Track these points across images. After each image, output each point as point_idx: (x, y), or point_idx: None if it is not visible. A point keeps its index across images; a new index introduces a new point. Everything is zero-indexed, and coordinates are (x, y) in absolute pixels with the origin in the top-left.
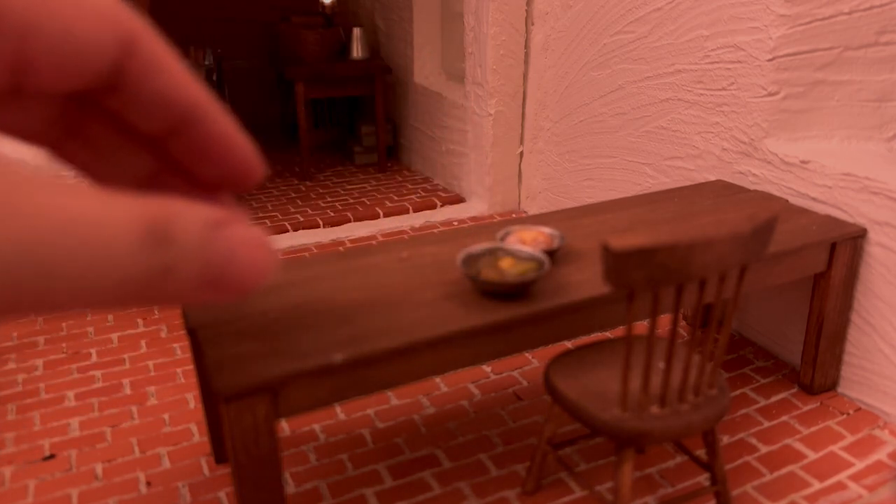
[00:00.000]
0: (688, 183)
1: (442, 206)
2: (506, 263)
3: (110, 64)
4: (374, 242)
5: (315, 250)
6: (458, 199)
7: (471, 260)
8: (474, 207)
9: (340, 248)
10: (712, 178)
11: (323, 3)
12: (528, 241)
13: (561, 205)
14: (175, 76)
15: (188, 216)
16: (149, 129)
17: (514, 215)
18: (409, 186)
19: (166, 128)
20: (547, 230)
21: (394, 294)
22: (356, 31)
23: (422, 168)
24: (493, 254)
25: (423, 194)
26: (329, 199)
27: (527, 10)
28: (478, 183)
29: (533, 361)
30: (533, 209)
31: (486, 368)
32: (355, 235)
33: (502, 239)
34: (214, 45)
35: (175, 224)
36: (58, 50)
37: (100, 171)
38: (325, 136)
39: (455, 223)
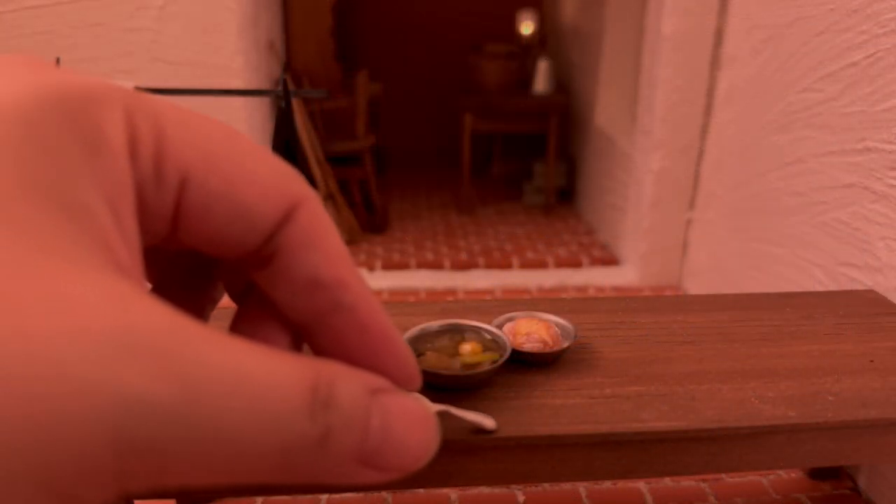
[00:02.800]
0: None
1: (589, 266)
2: (467, 349)
3: (267, 234)
4: (487, 297)
5: (423, 296)
6: (613, 262)
7: (426, 337)
8: (625, 275)
9: (449, 299)
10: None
11: (520, 33)
12: (522, 334)
13: (719, 290)
14: (329, 253)
15: (349, 378)
16: (294, 313)
17: (668, 291)
18: (566, 237)
19: (312, 312)
20: (560, 322)
21: None
22: (542, 65)
23: (590, 218)
24: (459, 332)
25: (575, 249)
26: (473, 239)
27: (713, 53)
28: (632, 247)
29: None
30: (695, 288)
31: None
32: (473, 286)
33: (500, 326)
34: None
35: (337, 387)
36: (215, 209)
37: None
38: (503, 170)
39: (592, 290)
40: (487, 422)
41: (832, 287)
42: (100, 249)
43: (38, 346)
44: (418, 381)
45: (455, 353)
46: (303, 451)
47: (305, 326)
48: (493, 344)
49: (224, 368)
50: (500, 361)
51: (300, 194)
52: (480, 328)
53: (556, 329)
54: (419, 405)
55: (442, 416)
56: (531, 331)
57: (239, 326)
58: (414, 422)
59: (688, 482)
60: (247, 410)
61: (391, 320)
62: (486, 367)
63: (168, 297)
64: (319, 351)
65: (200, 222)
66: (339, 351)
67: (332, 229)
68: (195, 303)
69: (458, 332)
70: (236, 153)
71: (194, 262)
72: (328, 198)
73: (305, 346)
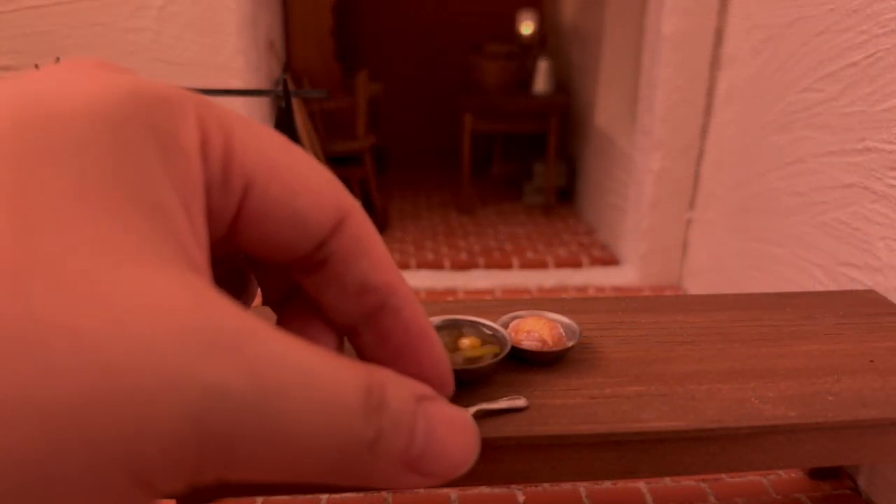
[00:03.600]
0: None
1: (589, 266)
2: (466, 343)
3: (320, 241)
4: (487, 297)
5: (423, 296)
6: (613, 262)
7: None
8: (625, 275)
9: (450, 298)
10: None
11: (520, 33)
12: (523, 332)
13: (719, 290)
14: (378, 259)
15: (399, 384)
16: (340, 315)
17: (668, 291)
18: (566, 237)
19: (359, 314)
20: (566, 323)
21: None
22: (542, 65)
23: (590, 218)
24: (457, 328)
25: (575, 249)
26: (473, 239)
27: (713, 53)
28: (632, 247)
29: None
30: (695, 288)
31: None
32: (473, 286)
33: (506, 325)
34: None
35: (388, 391)
36: (275, 215)
37: None
38: (503, 170)
39: (592, 290)
40: (519, 402)
41: (832, 287)
42: (178, 248)
43: (134, 343)
44: (451, 385)
45: (455, 349)
46: (356, 451)
47: (351, 327)
48: (493, 338)
49: (294, 366)
50: (503, 354)
51: (349, 204)
52: (478, 323)
53: (560, 329)
54: (461, 413)
55: (477, 415)
56: (532, 329)
57: (287, 324)
58: (456, 429)
59: (688, 482)
60: (312, 405)
61: (430, 327)
62: (489, 360)
63: None
64: (361, 351)
65: (258, 226)
66: (382, 350)
67: (377, 237)
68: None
69: (455, 328)
70: (294, 163)
71: (230, 269)
72: None
73: (348, 347)
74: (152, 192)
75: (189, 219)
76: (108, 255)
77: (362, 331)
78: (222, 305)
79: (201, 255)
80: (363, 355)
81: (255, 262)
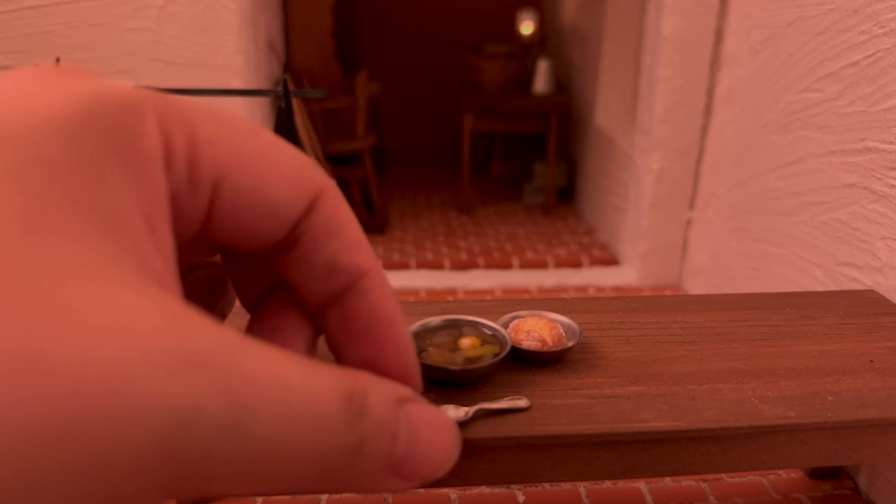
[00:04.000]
0: None
1: (589, 266)
2: (466, 343)
3: (293, 225)
4: (488, 297)
5: (424, 296)
6: (612, 262)
7: (425, 333)
8: (625, 275)
9: (450, 298)
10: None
11: (520, 33)
12: (523, 332)
13: (719, 290)
14: (349, 240)
15: (380, 388)
16: (310, 295)
17: (668, 291)
18: (565, 237)
19: (328, 295)
20: (567, 323)
21: None
22: (542, 65)
23: (590, 218)
24: (457, 328)
25: (575, 249)
26: (473, 239)
27: (713, 53)
28: (632, 247)
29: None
30: (695, 288)
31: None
32: (473, 286)
33: (506, 324)
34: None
35: (369, 396)
36: (247, 206)
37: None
38: (503, 170)
39: (592, 290)
40: (521, 402)
41: (832, 287)
42: (143, 264)
43: (103, 368)
44: (416, 379)
45: (455, 348)
46: (339, 458)
47: (320, 308)
48: (493, 338)
49: (269, 380)
50: (503, 354)
51: (322, 184)
52: (478, 322)
53: (561, 330)
54: (441, 414)
55: (478, 415)
56: (532, 329)
57: (261, 321)
58: (438, 430)
59: (688, 482)
60: (290, 419)
61: (402, 314)
62: (489, 360)
63: None
64: (327, 332)
65: (231, 219)
66: (345, 332)
67: (350, 217)
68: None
69: (455, 328)
70: (263, 149)
71: (204, 277)
72: None
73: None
74: (114, 206)
75: (152, 232)
76: (71, 278)
77: (329, 312)
78: (193, 321)
79: (168, 269)
80: (328, 337)
81: (231, 265)
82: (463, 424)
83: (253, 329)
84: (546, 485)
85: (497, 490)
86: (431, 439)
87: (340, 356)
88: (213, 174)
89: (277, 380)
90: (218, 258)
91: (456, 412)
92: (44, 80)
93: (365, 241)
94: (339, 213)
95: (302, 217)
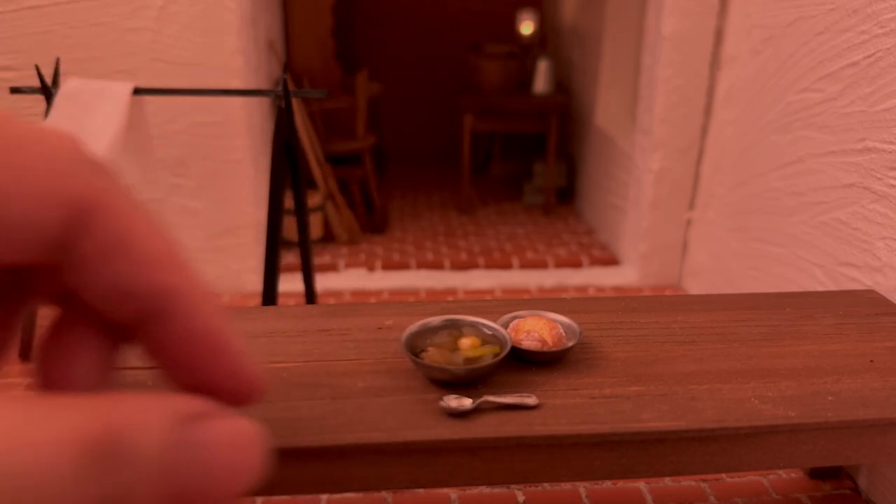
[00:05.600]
0: None
1: (589, 266)
2: (466, 343)
3: (52, 243)
4: (488, 297)
5: (424, 296)
6: (612, 262)
7: (425, 333)
8: (625, 275)
9: (450, 298)
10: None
11: (520, 33)
12: (523, 332)
13: (719, 290)
14: (142, 259)
15: (149, 419)
16: (113, 318)
17: (668, 291)
18: (565, 237)
19: (128, 319)
20: (567, 323)
21: (333, 375)
22: (542, 65)
23: (590, 218)
24: (457, 328)
25: (575, 249)
26: (473, 239)
27: (713, 53)
28: (632, 247)
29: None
30: (695, 288)
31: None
32: (473, 286)
33: (506, 324)
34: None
35: (125, 437)
36: None
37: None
38: (503, 170)
39: (592, 290)
40: (529, 399)
41: (832, 287)
42: None
43: None
44: (259, 391)
45: (455, 349)
46: None
47: (129, 331)
48: (492, 338)
49: None
50: (503, 354)
51: (91, 196)
52: (478, 323)
53: (561, 330)
54: (244, 428)
55: (483, 407)
56: (532, 329)
57: (52, 337)
58: (232, 447)
59: (688, 482)
60: (9, 479)
61: (229, 326)
62: (489, 360)
63: None
64: (148, 354)
65: None
66: (163, 359)
67: (143, 231)
68: (4, 321)
69: (455, 328)
70: (6, 156)
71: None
72: (328, 198)
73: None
74: None
75: None
76: None
77: (139, 333)
78: None
79: None
80: (147, 355)
81: None
82: (465, 415)
83: (41, 351)
84: (546, 485)
85: (497, 490)
86: (226, 459)
87: (165, 374)
88: None
89: (3, 430)
90: None
91: (460, 402)
92: None
93: (167, 256)
94: (123, 227)
95: (67, 235)
